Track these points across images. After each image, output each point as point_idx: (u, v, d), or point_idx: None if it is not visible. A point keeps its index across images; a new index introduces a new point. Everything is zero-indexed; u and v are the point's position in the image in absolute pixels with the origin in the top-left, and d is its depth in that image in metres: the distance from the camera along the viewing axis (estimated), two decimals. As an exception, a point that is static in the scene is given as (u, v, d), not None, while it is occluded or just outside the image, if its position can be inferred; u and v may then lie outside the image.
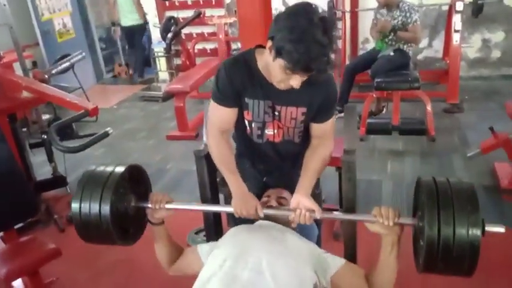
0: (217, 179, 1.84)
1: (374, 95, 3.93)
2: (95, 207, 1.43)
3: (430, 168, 3.35)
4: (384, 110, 4.29)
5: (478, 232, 1.18)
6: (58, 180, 3.43)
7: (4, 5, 3.24)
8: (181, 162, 3.84)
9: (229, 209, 1.57)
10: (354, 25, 5.17)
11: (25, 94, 2.45)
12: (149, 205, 1.57)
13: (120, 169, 1.53)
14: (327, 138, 1.62)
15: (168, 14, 5.91)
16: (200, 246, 1.60)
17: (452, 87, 4.42)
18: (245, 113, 1.60)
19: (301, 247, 1.49)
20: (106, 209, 1.42)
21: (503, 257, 2.31)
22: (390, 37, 3.96)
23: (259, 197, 1.73)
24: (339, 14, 4.65)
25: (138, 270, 2.49)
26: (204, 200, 1.74)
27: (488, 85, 5.08)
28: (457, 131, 3.97)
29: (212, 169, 1.71)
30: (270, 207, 1.59)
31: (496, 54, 5.25)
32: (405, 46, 3.97)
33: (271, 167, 1.78)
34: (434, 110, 3.86)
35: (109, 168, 1.54)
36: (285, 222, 1.62)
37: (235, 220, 1.70)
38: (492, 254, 2.25)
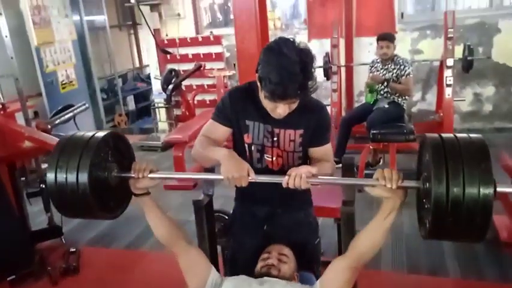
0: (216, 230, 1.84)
1: (370, 147, 3.99)
2: (72, 175, 1.31)
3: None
4: (381, 161, 4.33)
5: (491, 190, 1.08)
6: (53, 231, 3.39)
7: (11, 57, 3.36)
8: (178, 212, 3.80)
9: (218, 176, 1.47)
10: (348, 78, 5.34)
11: (27, 144, 2.48)
12: (132, 174, 1.47)
13: (101, 134, 1.41)
14: (327, 160, 1.66)
15: (169, 66, 6.10)
16: (214, 269, 1.58)
17: (447, 140, 4.48)
18: (245, 136, 1.67)
19: None
20: (84, 176, 1.30)
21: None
22: (385, 89, 4.09)
23: (259, 248, 1.72)
24: (334, 68, 4.80)
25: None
26: (203, 250, 1.72)
27: (482, 138, 5.17)
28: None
29: (211, 219, 1.72)
30: (262, 175, 1.53)
31: (487, 107, 5.39)
32: (399, 99, 4.09)
33: (272, 206, 1.78)
34: (431, 162, 3.90)
35: (89, 133, 1.42)
36: (286, 279, 1.61)
37: (233, 271, 1.68)
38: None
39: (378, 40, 4.03)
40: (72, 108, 3.22)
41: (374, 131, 3.74)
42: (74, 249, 3.24)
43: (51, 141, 2.42)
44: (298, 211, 1.82)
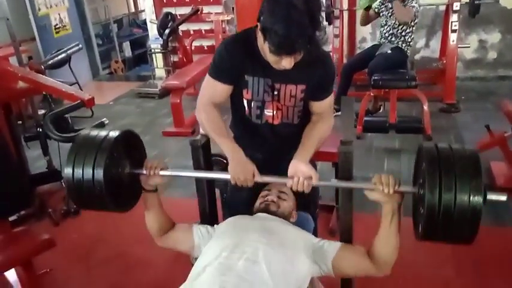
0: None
1: (371, 94, 3.92)
2: (88, 172, 1.39)
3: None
4: (381, 109, 4.29)
5: (480, 198, 1.15)
6: (53, 174, 3.39)
7: (7, 18, 3.22)
8: (177, 157, 3.82)
9: (225, 175, 1.53)
10: (351, 24, 5.17)
11: (21, 85, 2.43)
12: (143, 171, 1.53)
13: (114, 133, 1.48)
14: (326, 114, 1.63)
15: (166, 10, 5.89)
16: (196, 227, 1.60)
17: (448, 88, 4.43)
18: (244, 92, 1.61)
19: (297, 239, 1.49)
20: (99, 173, 1.38)
21: (498, 254, 2.32)
22: (390, 31, 3.97)
23: (256, 189, 1.72)
24: (337, 12, 4.64)
25: (131, 266, 2.48)
26: (201, 193, 1.73)
27: (484, 86, 5.11)
28: (454, 130, 3.99)
29: (208, 160, 1.70)
30: (267, 175, 1.55)
31: (492, 55, 5.28)
32: (403, 44, 3.98)
33: (270, 154, 1.76)
34: (431, 110, 3.86)
35: (103, 133, 1.49)
36: (284, 217, 1.63)
37: (232, 213, 1.69)
38: (486, 252, 2.28)
39: None
40: (66, 48, 3.12)
41: (375, 77, 3.66)
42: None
43: (45, 81, 2.37)
44: (292, 152, 1.79)
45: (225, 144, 1.56)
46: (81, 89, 4.95)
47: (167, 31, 5.15)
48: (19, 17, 5.26)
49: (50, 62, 2.93)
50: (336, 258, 1.44)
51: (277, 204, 1.64)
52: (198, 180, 1.71)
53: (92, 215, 3.00)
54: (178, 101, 4.28)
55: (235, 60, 1.55)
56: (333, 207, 2.77)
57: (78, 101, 2.28)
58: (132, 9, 9.11)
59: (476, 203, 1.15)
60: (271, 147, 1.74)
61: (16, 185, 2.06)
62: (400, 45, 3.99)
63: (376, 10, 4.13)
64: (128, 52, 7.94)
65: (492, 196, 1.21)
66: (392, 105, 3.66)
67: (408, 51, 4.06)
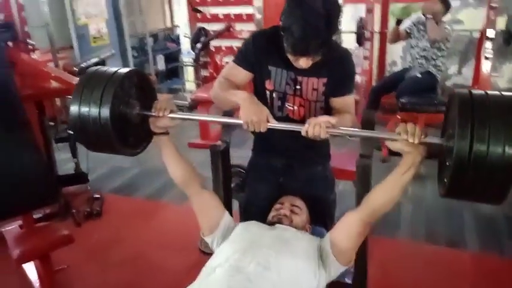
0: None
1: (398, 117, 3.88)
2: (94, 109, 1.33)
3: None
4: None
5: None
6: (79, 177, 3.50)
7: (47, 24, 3.39)
8: (201, 169, 3.84)
9: (237, 120, 1.46)
10: (382, 47, 5.15)
11: (53, 84, 2.54)
12: (152, 113, 1.47)
13: (123, 70, 1.42)
14: (348, 112, 1.60)
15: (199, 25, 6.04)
16: (227, 213, 1.58)
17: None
18: (267, 82, 1.62)
19: (309, 248, 1.47)
20: (106, 109, 1.32)
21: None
22: (421, 53, 3.93)
23: (273, 199, 1.72)
24: (367, 34, 4.64)
25: (147, 269, 2.50)
26: (217, 192, 1.73)
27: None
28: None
29: (227, 165, 1.71)
30: (280, 122, 1.48)
31: (527, 86, 5.15)
32: (434, 69, 3.93)
33: (290, 158, 1.75)
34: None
35: (112, 69, 1.43)
36: (301, 228, 1.62)
37: (246, 219, 1.69)
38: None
39: None
40: (99, 53, 3.24)
41: (403, 100, 3.63)
42: (98, 196, 3.35)
43: (76, 82, 2.47)
44: (315, 165, 1.79)
45: (233, 93, 1.52)
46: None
47: (199, 45, 5.27)
48: (60, 25, 5.50)
49: (83, 65, 3.04)
50: (332, 245, 1.42)
51: (289, 219, 1.61)
52: (215, 181, 1.72)
53: (113, 217, 3.15)
54: (207, 113, 4.34)
55: (260, 50, 1.58)
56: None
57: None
58: (169, 24, 9.37)
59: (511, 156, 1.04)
60: (292, 147, 1.71)
61: (43, 183, 2.12)
62: (430, 70, 3.94)
63: (408, 31, 4.10)
64: (161, 65, 8.14)
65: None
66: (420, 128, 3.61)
67: (439, 77, 4.00)
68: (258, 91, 1.66)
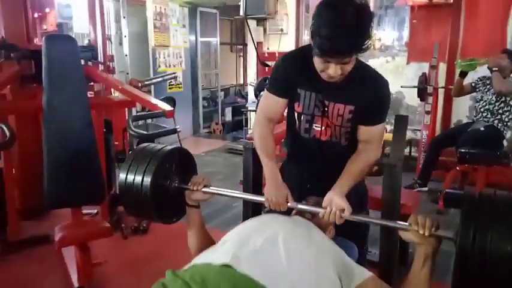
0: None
1: (458, 169, 3.70)
2: (138, 178, 1.52)
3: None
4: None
5: None
6: (134, 197, 3.70)
7: (126, 55, 3.85)
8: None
9: (262, 198, 1.58)
10: (446, 104, 5.03)
11: (120, 97, 2.81)
12: (189, 186, 1.61)
13: (168, 148, 1.62)
14: (373, 143, 1.59)
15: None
16: None
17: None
18: (296, 105, 1.65)
19: (327, 246, 1.42)
20: (148, 180, 1.51)
21: None
22: (485, 106, 3.80)
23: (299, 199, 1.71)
24: (430, 89, 4.59)
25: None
26: (246, 190, 1.78)
27: None
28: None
29: (257, 162, 1.77)
30: (301, 203, 1.56)
31: None
32: (499, 124, 3.76)
33: (317, 174, 1.76)
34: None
35: (159, 146, 1.65)
36: (323, 228, 1.56)
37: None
38: None
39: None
40: (163, 74, 3.55)
41: (462, 150, 3.47)
42: (148, 216, 3.51)
43: (138, 93, 2.74)
44: None
45: (266, 165, 1.64)
46: (179, 138, 5.49)
47: (262, 93, 5.52)
48: (141, 70, 6.11)
49: (146, 82, 3.36)
50: (363, 285, 1.32)
51: (314, 215, 1.58)
52: (245, 176, 1.78)
53: (157, 235, 3.26)
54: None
55: (290, 73, 1.61)
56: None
57: (160, 111, 2.56)
58: (240, 81, 9.97)
59: None
60: (318, 166, 1.74)
61: (95, 179, 2.31)
62: (495, 124, 3.77)
63: (473, 85, 4.01)
64: (228, 117, 8.58)
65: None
66: (479, 181, 3.40)
67: (505, 132, 3.81)
68: (289, 114, 1.72)
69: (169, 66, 6.69)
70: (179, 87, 7.00)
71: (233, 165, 5.45)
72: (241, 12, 5.89)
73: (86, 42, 3.53)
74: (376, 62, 5.46)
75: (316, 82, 1.54)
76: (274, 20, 6.14)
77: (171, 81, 6.76)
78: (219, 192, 1.65)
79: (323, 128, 1.65)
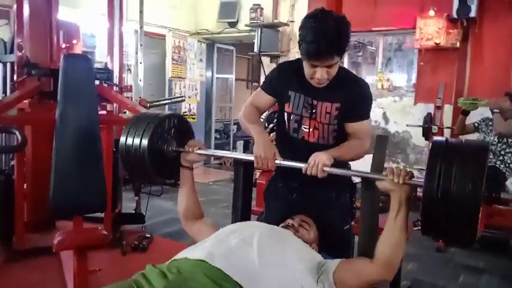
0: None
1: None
2: (136, 141, 1.64)
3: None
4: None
5: (480, 191, 1.13)
6: (137, 217, 3.81)
7: (140, 80, 4.10)
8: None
9: (251, 157, 1.68)
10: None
11: (128, 114, 2.98)
12: (185, 149, 1.73)
13: (166, 113, 1.74)
14: (361, 136, 1.72)
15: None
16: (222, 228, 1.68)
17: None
18: (286, 105, 1.80)
19: (303, 251, 1.50)
20: (145, 142, 1.62)
21: None
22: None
23: (286, 214, 1.78)
24: (435, 129, 4.66)
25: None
26: (235, 205, 1.87)
27: None
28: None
29: (248, 177, 1.86)
30: (286, 160, 1.64)
31: None
32: (501, 165, 3.79)
33: (304, 179, 1.77)
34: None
35: (158, 112, 1.76)
36: (307, 243, 1.63)
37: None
38: None
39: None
40: (170, 97, 3.72)
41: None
42: (149, 235, 3.58)
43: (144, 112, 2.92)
44: (329, 190, 1.84)
45: (253, 129, 1.76)
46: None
47: (271, 125, 5.68)
48: (157, 98, 6.36)
49: (154, 103, 3.55)
50: (337, 270, 1.41)
51: (296, 229, 1.66)
52: (236, 190, 1.87)
53: (156, 254, 3.33)
54: (264, 182, 4.54)
55: (283, 76, 1.81)
56: None
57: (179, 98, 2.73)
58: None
59: (474, 196, 1.12)
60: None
61: (98, 189, 2.41)
62: (497, 165, 3.80)
63: (476, 125, 4.08)
64: (239, 149, 8.70)
65: (504, 195, 1.21)
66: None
67: (507, 173, 3.83)
68: (279, 114, 1.86)
69: (185, 97, 6.94)
70: (193, 118, 7.22)
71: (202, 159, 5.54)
72: (256, 49, 6.16)
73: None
74: (384, 101, 5.59)
75: (306, 85, 1.72)
76: (287, 57, 6.38)
77: (185, 112, 7.00)
78: (212, 153, 1.80)
79: (311, 129, 1.77)
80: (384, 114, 5.64)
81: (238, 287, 1.25)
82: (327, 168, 1.52)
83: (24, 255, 3.03)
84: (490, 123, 3.95)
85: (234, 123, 8.82)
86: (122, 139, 1.72)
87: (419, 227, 1.53)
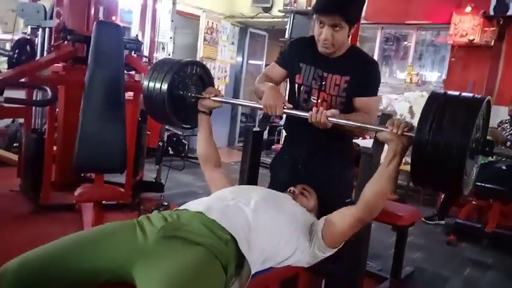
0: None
1: (474, 203, 3.69)
2: (157, 84, 1.73)
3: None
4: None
5: (465, 142, 1.16)
6: (157, 185, 3.98)
7: (169, 54, 4.21)
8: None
9: (260, 105, 1.73)
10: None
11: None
12: (202, 94, 1.82)
13: (187, 60, 1.82)
14: (368, 112, 1.77)
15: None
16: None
17: None
18: (297, 77, 1.87)
19: (297, 214, 1.59)
20: (165, 86, 1.72)
21: None
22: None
23: (290, 184, 1.86)
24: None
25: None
26: (243, 168, 1.97)
27: None
28: None
29: (257, 146, 1.96)
30: (293, 109, 1.72)
31: None
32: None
33: (311, 152, 1.91)
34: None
35: (178, 59, 1.85)
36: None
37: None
38: None
39: None
40: None
41: (477, 184, 3.48)
42: (166, 203, 3.75)
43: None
44: (334, 166, 1.90)
45: (264, 85, 1.82)
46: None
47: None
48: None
49: None
50: (324, 226, 1.52)
51: (296, 196, 1.73)
52: (244, 160, 1.96)
53: None
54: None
55: (295, 50, 1.89)
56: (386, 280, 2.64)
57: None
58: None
59: (461, 146, 1.15)
60: (313, 140, 1.87)
61: (119, 155, 2.57)
62: (519, 165, 3.76)
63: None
64: (264, 134, 8.82)
65: (499, 150, 1.20)
66: (492, 215, 3.39)
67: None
68: (291, 85, 1.93)
69: (214, 78, 7.06)
70: (220, 100, 7.34)
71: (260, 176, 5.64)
72: (287, 35, 6.18)
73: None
74: (411, 95, 5.54)
75: (317, 59, 1.81)
76: (317, 45, 6.39)
77: (213, 92, 7.13)
78: (226, 100, 1.86)
79: (319, 101, 1.84)
80: (410, 108, 5.58)
81: (231, 239, 1.33)
82: (331, 118, 1.55)
83: (48, 210, 3.25)
84: (507, 126, 3.90)
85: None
86: (145, 83, 1.81)
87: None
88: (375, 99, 1.83)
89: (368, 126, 1.55)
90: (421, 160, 1.23)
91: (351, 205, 1.57)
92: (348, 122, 1.59)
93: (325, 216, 1.58)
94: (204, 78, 1.94)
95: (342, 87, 1.81)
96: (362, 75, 1.79)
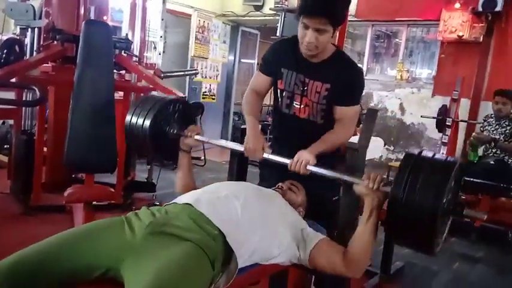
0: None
1: (463, 197, 3.72)
2: (140, 119, 1.76)
3: (506, 283, 2.99)
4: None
5: (439, 204, 1.18)
6: (149, 185, 3.97)
7: (159, 53, 4.23)
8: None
9: (242, 147, 1.77)
10: (468, 138, 5.06)
11: (143, 83, 3.13)
12: (184, 133, 1.83)
13: (171, 97, 1.85)
14: (346, 122, 1.78)
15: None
16: None
17: None
18: (279, 82, 1.86)
19: (287, 213, 1.59)
20: (147, 122, 1.75)
21: None
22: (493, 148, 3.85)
23: (278, 182, 1.87)
24: (449, 121, 4.65)
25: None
26: (231, 169, 2.01)
27: None
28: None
29: (242, 164, 2.06)
30: (273, 155, 1.74)
31: None
32: (510, 159, 3.78)
33: (298, 147, 1.84)
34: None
35: (163, 95, 1.87)
36: (294, 207, 1.71)
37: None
38: None
39: (494, 95, 3.88)
40: (183, 69, 3.85)
41: (466, 179, 3.51)
42: (158, 203, 3.74)
43: (157, 81, 3.04)
44: (320, 163, 1.89)
45: (248, 121, 1.85)
46: (203, 147, 5.77)
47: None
48: (177, 80, 6.50)
49: (167, 74, 3.70)
50: (316, 248, 1.49)
51: (284, 192, 1.74)
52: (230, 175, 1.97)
53: None
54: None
55: (276, 54, 1.86)
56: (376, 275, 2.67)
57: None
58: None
59: (434, 207, 1.19)
60: (296, 143, 1.84)
61: (110, 152, 2.56)
62: (505, 160, 3.80)
63: (481, 129, 4.07)
64: (257, 133, 8.84)
65: (470, 212, 1.26)
66: (481, 210, 3.41)
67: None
68: (274, 89, 1.93)
69: (206, 77, 7.07)
70: (212, 99, 7.35)
71: (249, 174, 5.65)
72: (278, 33, 6.20)
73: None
74: (401, 92, 5.58)
75: (299, 63, 1.78)
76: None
77: (205, 92, 7.13)
78: (207, 140, 1.87)
79: (302, 106, 1.84)
80: (401, 105, 5.63)
81: (219, 233, 1.34)
82: (310, 167, 1.61)
83: (39, 211, 3.24)
84: (492, 120, 3.95)
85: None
86: (128, 117, 1.84)
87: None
88: (353, 109, 1.81)
89: (345, 178, 1.55)
90: (396, 216, 1.27)
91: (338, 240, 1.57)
92: (328, 173, 1.61)
93: (319, 238, 1.54)
94: (187, 116, 1.96)
95: (322, 95, 1.79)
96: (343, 84, 1.76)
